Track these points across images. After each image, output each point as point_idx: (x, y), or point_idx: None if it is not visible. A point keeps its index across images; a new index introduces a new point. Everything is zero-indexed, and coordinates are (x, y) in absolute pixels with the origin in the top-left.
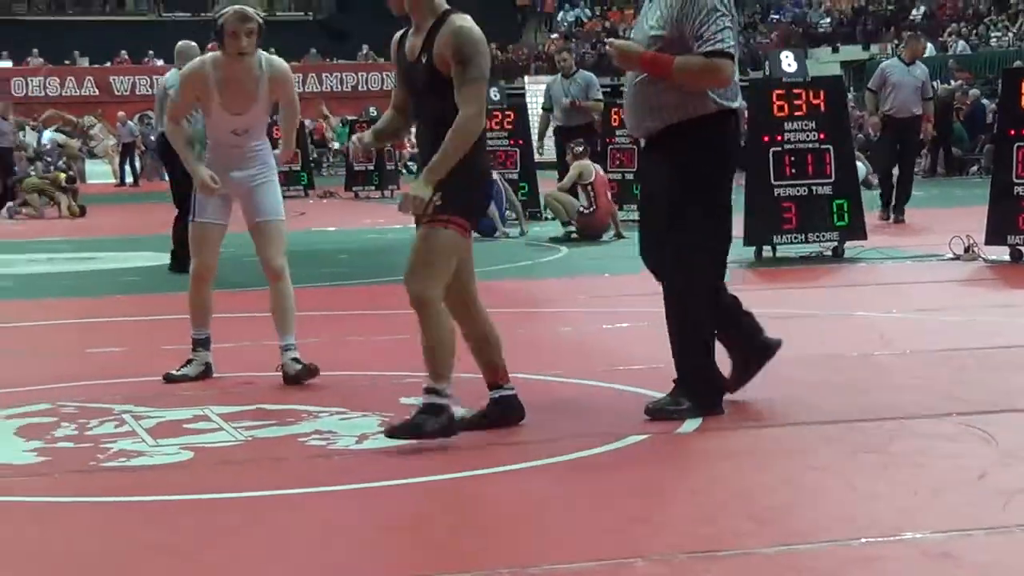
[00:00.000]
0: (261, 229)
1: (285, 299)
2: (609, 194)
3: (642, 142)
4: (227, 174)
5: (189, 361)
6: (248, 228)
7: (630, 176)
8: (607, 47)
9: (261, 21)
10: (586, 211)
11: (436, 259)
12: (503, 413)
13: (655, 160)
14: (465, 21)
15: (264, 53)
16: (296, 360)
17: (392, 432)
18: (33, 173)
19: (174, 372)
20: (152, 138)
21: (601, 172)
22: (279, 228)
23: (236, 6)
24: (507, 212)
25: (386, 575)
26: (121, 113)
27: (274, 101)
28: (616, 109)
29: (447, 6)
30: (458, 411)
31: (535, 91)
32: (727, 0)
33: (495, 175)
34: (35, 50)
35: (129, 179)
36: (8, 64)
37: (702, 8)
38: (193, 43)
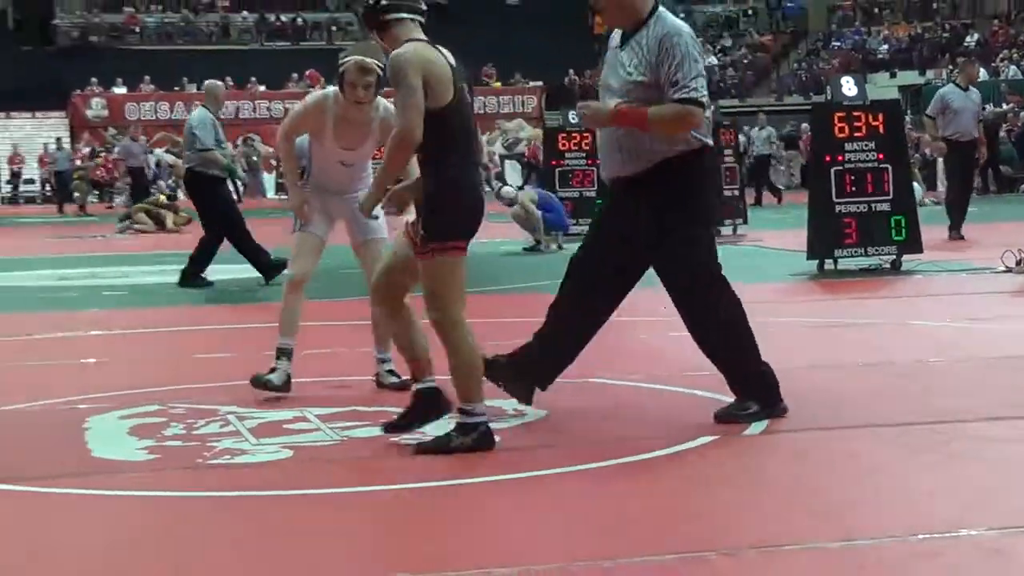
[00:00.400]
0: (367, 247)
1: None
2: None
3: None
4: (332, 196)
5: (273, 369)
6: (353, 247)
7: None
8: (579, 110)
9: (381, 72)
10: None
11: (439, 287)
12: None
13: (634, 200)
14: (402, 49)
15: (383, 99)
16: (391, 372)
17: (421, 449)
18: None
19: (261, 374)
20: (243, 160)
21: None
22: (384, 246)
23: (357, 56)
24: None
25: (473, 565)
26: None
27: (384, 140)
28: None
29: (413, 37)
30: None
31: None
32: (699, 47)
33: (542, 192)
34: (147, 77)
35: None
36: (123, 90)
37: (677, 55)
38: (219, 83)
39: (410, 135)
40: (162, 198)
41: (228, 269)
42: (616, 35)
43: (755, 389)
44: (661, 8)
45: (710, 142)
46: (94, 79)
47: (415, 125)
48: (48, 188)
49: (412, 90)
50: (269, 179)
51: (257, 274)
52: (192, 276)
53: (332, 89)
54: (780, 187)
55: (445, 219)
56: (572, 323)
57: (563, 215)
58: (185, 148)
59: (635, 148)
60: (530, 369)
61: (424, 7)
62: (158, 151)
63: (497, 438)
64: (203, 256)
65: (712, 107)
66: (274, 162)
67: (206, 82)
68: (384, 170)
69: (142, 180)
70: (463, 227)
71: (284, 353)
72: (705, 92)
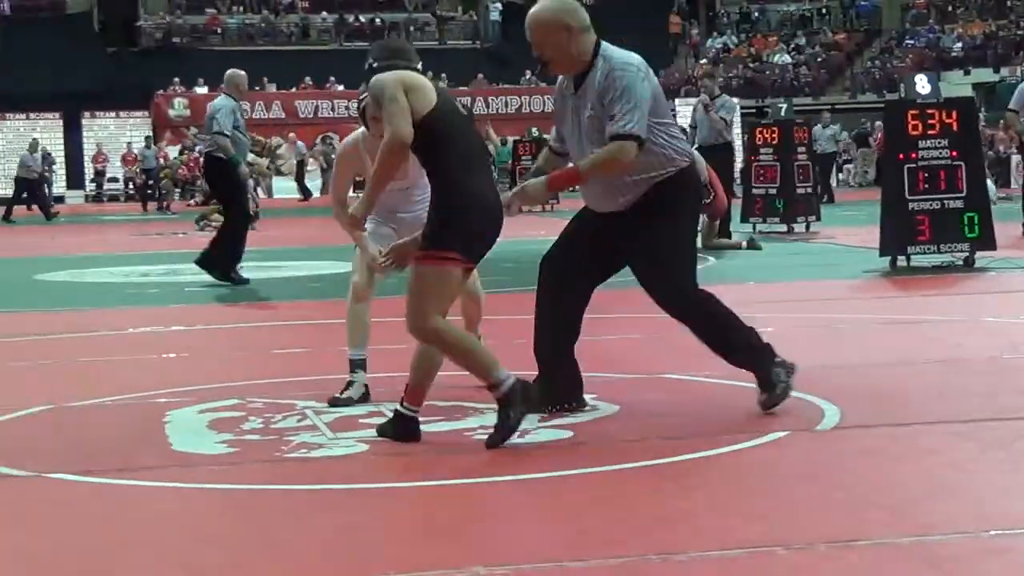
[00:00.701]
0: None
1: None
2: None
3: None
4: (395, 214)
5: (350, 384)
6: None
7: (773, 191)
8: (510, 203)
9: None
10: (708, 201)
11: (419, 298)
12: (398, 432)
13: (635, 235)
14: (379, 75)
15: None
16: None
17: (492, 443)
18: None
19: (339, 396)
20: (322, 158)
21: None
22: None
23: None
24: None
25: (548, 558)
26: (291, 135)
27: None
28: (759, 128)
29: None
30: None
31: (685, 113)
32: (645, 75)
33: None
34: None
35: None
36: (204, 90)
37: (618, 88)
38: (242, 72)
39: (398, 137)
40: None
41: (317, 265)
42: (568, 81)
43: (769, 361)
44: (604, 44)
45: (691, 160)
46: (176, 79)
47: (401, 125)
48: (132, 186)
49: (393, 98)
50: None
51: (347, 270)
52: (227, 271)
53: (360, 130)
54: (831, 185)
55: (447, 231)
56: (556, 332)
57: None
58: (205, 132)
59: (621, 184)
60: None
61: (418, 61)
62: None
63: (569, 433)
64: (233, 250)
65: (784, 105)
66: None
67: (228, 71)
68: (376, 176)
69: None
70: (464, 239)
71: (358, 365)
72: (638, 124)
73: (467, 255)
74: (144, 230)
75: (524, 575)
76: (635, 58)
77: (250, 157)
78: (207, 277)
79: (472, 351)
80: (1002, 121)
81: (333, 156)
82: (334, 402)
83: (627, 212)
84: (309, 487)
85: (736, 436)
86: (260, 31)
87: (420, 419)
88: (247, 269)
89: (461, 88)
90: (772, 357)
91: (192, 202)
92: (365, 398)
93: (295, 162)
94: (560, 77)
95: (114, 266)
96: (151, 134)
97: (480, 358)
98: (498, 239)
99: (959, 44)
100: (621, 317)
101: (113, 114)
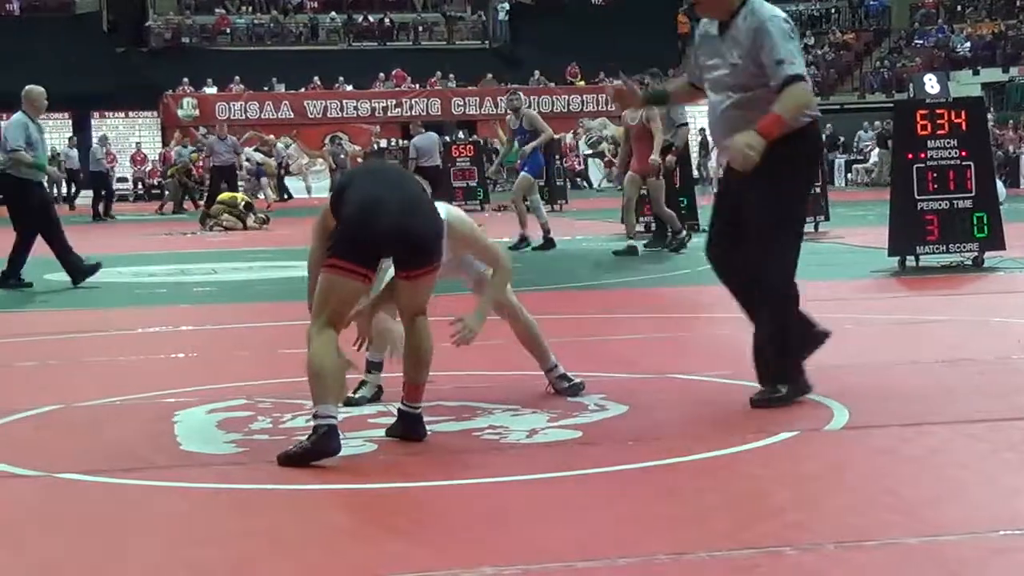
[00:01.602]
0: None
1: (529, 329)
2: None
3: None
4: None
5: (363, 383)
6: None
7: None
8: (743, 159)
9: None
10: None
11: (316, 301)
12: (404, 430)
13: (750, 179)
14: None
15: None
16: (563, 378)
17: (281, 457)
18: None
19: (351, 395)
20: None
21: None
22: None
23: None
24: None
25: (556, 558)
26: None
27: None
28: None
29: None
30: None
31: (694, 113)
32: (791, 27)
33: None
34: (236, 77)
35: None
36: (213, 90)
37: (775, 35)
38: (39, 88)
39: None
40: (239, 197)
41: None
42: (711, 24)
43: (791, 373)
44: None
45: (818, 114)
46: (185, 79)
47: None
48: (141, 186)
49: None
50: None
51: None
52: (9, 277)
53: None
54: None
55: (335, 235)
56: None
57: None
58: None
59: (748, 128)
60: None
61: None
62: (247, 149)
63: (578, 433)
64: (19, 257)
65: None
66: (360, 160)
67: (26, 87)
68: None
69: (230, 179)
70: (341, 244)
71: (374, 367)
72: (803, 66)
73: (349, 259)
74: (152, 230)
75: (532, 575)
76: (779, 11)
77: (259, 157)
78: (216, 277)
79: (316, 375)
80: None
81: (342, 156)
82: (347, 401)
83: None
84: (317, 487)
85: (745, 436)
86: (269, 31)
87: (430, 419)
88: (250, 270)
89: (470, 88)
90: (799, 375)
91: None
92: (377, 398)
93: (304, 162)
94: (702, 20)
95: (123, 266)
96: (156, 134)
97: (318, 384)
98: (391, 234)
99: (968, 44)
100: (630, 317)
101: (122, 114)
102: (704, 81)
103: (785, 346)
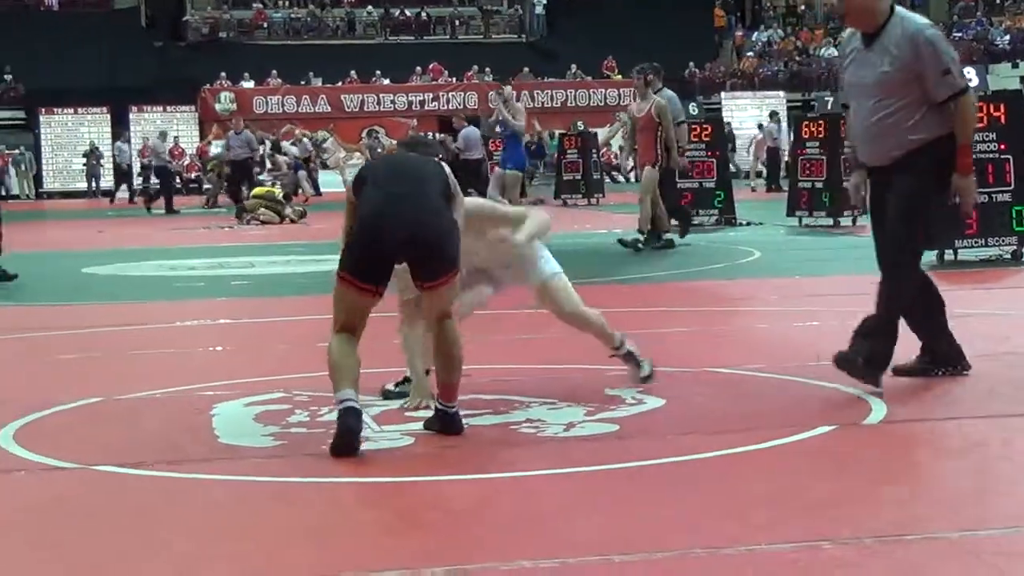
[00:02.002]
0: (543, 291)
1: (591, 326)
2: None
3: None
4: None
5: (406, 379)
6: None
7: (820, 185)
8: (964, 197)
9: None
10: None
11: (333, 305)
12: (442, 427)
13: (893, 183)
14: None
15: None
16: (629, 354)
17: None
18: (270, 181)
19: (391, 388)
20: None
21: None
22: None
23: None
24: None
25: (594, 552)
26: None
27: None
28: (805, 122)
29: None
30: None
31: (731, 106)
32: (943, 36)
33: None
34: (274, 71)
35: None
36: (250, 84)
37: (933, 48)
38: None
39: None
40: (276, 191)
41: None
42: (855, 37)
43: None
44: (898, 8)
45: (950, 129)
46: (223, 73)
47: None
48: (178, 181)
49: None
50: None
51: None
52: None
53: None
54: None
55: (345, 245)
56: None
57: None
58: None
59: (896, 136)
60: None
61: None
62: (285, 143)
63: (615, 426)
64: None
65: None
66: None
67: None
68: None
69: (245, 175)
70: (349, 261)
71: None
72: (964, 75)
73: (356, 276)
74: (190, 224)
75: (569, 569)
76: (928, 21)
77: (294, 151)
78: (254, 271)
79: (332, 367)
80: None
81: (379, 150)
82: (386, 394)
83: (891, 166)
84: (355, 480)
85: (783, 430)
86: (306, 25)
87: (467, 412)
88: (288, 263)
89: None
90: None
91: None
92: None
93: (341, 156)
94: (847, 32)
95: (161, 259)
96: (194, 129)
97: (335, 374)
98: (400, 249)
99: (1007, 37)
100: (666, 310)
101: (160, 108)
102: (849, 93)
103: (883, 328)
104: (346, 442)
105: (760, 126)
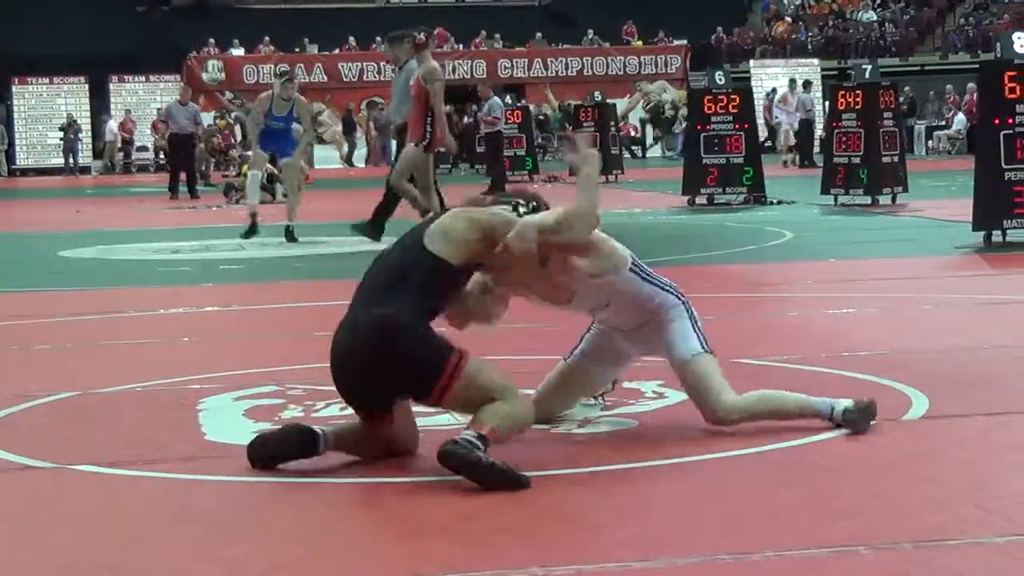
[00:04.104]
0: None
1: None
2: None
3: None
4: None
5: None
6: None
7: (857, 160)
8: None
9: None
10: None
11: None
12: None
13: None
14: None
15: None
16: None
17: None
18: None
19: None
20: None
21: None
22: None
23: None
24: None
25: (610, 558)
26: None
27: None
28: (841, 92)
29: None
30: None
31: (760, 75)
32: None
33: None
34: (266, 38)
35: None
36: (240, 52)
37: None
38: None
39: None
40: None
41: (359, 241)
42: None
43: None
44: None
45: None
46: (211, 40)
47: None
48: (162, 156)
49: None
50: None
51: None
52: None
53: None
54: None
55: None
56: None
57: None
58: None
59: None
60: None
61: None
62: None
63: (634, 423)
64: None
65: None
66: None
67: None
68: None
69: (186, 149)
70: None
71: None
72: None
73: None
74: (176, 203)
75: None
76: None
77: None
78: (243, 254)
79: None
80: None
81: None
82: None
83: None
84: (351, 480)
85: (815, 427)
86: None
87: None
88: (279, 246)
89: (518, 49)
90: None
91: (226, 174)
92: None
93: (338, 129)
94: None
95: (144, 242)
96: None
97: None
98: (350, 384)
99: None
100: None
101: (143, 78)
102: None
103: None
104: (258, 448)
105: (791, 82)
